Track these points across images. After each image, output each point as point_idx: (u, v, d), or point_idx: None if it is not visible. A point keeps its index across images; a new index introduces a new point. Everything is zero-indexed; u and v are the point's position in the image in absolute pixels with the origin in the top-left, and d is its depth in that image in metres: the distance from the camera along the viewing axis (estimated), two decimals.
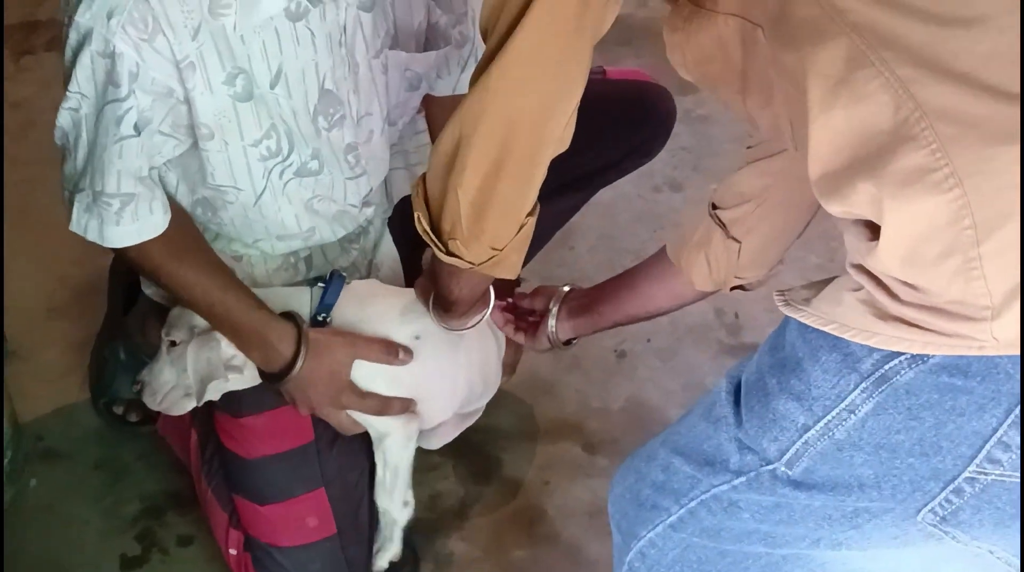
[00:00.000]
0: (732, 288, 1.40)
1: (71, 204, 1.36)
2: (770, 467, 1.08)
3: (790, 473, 1.06)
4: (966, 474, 0.99)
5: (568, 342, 1.59)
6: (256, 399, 1.53)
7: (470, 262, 1.19)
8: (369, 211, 1.58)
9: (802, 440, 1.04)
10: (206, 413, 1.61)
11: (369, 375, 1.49)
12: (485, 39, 1.07)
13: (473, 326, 1.46)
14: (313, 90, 1.39)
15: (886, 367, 0.98)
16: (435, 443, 1.67)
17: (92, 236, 1.37)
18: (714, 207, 1.34)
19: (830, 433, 1.02)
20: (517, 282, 1.60)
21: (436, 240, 1.20)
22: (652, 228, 2.23)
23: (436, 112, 1.60)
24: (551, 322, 1.55)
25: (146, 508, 1.80)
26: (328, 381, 1.47)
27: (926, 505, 1.02)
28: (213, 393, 1.49)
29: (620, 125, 1.70)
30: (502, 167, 1.09)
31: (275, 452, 1.57)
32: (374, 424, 1.53)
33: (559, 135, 1.10)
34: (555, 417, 1.96)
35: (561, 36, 1.03)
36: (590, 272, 2.09)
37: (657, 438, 1.24)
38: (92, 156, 1.32)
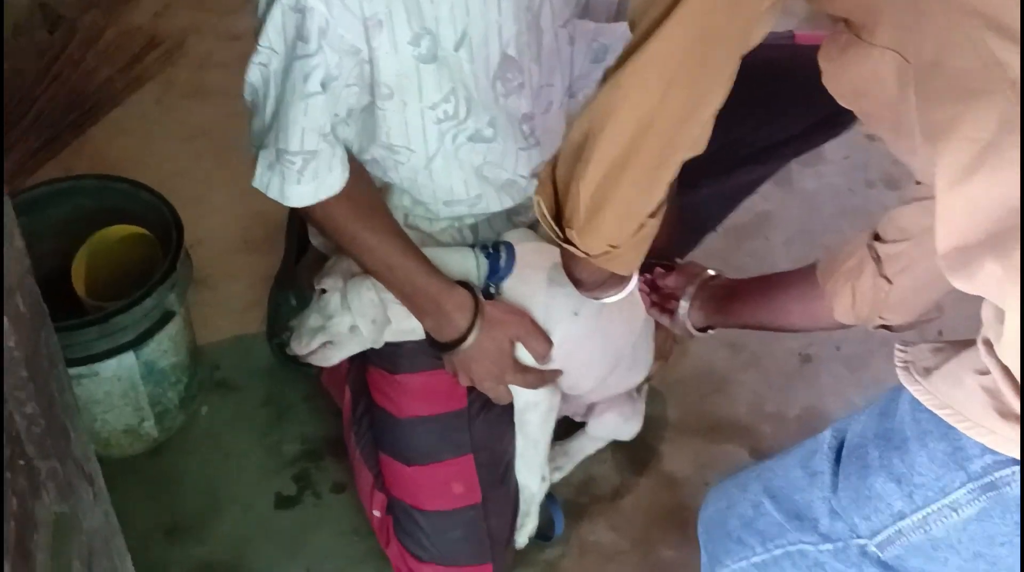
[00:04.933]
0: (876, 327, 1.29)
1: (256, 160, 1.38)
2: (860, 541, 1.03)
3: (880, 555, 1.01)
4: None
5: (703, 330, 1.48)
6: (413, 358, 1.53)
7: (584, 253, 1.16)
8: None
9: (896, 526, 0.99)
10: (360, 370, 1.62)
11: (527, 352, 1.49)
12: (632, 31, 1.01)
13: (611, 300, 1.37)
14: (495, 54, 1.36)
15: (996, 475, 0.90)
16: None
17: (273, 194, 1.38)
18: (875, 237, 1.24)
19: (927, 527, 0.96)
20: (671, 263, 1.51)
21: (555, 225, 1.16)
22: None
23: None
24: (683, 304, 1.46)
25: (306, 450, 1.83)
26: (496, 358, 1.46)
27: None
28: (389, 335, 1.49)
29: (807, 95, 1.58)
30: (626, 167, 1.04)
31: (426, 414, 1.56)
32: (522, 395, 1.53)
33: (692, 141, 1.04)
34: (724, 416, 1.87)
35: (702, 46, 0.97)
36: (783, 267, 1.93)
37: (753, 469, 1.21)
38: (278, 113, 1.32)
